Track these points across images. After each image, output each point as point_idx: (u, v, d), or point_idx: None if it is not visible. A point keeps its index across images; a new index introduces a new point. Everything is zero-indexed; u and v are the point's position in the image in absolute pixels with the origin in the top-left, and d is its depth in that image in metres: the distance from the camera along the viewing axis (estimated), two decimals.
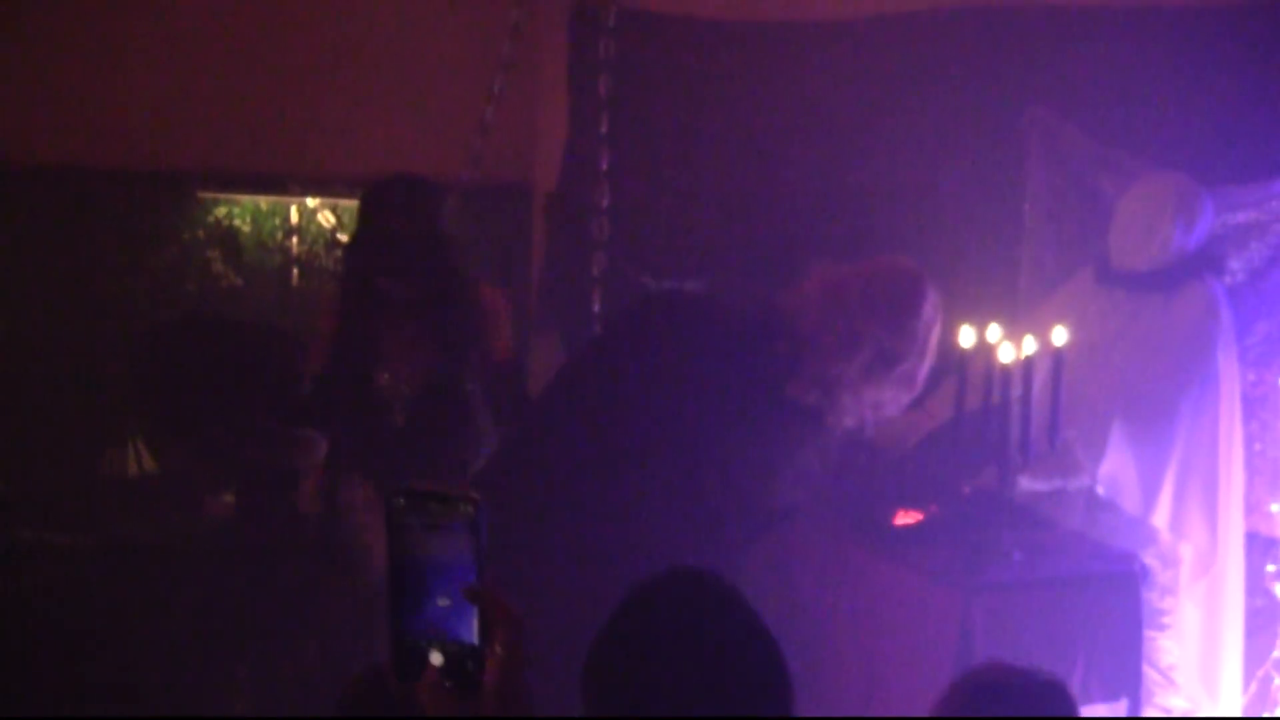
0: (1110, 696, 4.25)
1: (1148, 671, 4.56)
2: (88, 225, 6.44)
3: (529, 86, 5.95)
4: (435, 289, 4.49)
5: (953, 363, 4.15)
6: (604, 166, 5.65)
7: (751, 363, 3.56)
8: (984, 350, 4.14)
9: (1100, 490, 4.77)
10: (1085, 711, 3.99)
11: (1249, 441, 4.98)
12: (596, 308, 5.54)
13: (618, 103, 5.68)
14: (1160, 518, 4.78)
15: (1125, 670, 4.29)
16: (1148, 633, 4.51)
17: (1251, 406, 4.98)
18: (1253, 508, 4.99)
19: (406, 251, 4.46)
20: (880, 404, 3.68)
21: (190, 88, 6.31)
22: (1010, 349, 4.09)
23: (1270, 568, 5.05)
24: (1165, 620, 4.74)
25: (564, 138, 5.92)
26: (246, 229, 6.52)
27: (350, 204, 6.09)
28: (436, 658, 1.86)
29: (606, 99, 5.68)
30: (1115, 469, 4.76)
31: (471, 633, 1.86)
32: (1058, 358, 4.12)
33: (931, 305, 3.70)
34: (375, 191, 4.60)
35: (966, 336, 4.12)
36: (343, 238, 6.32)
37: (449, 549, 1.86)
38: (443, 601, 1.86)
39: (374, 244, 4.51)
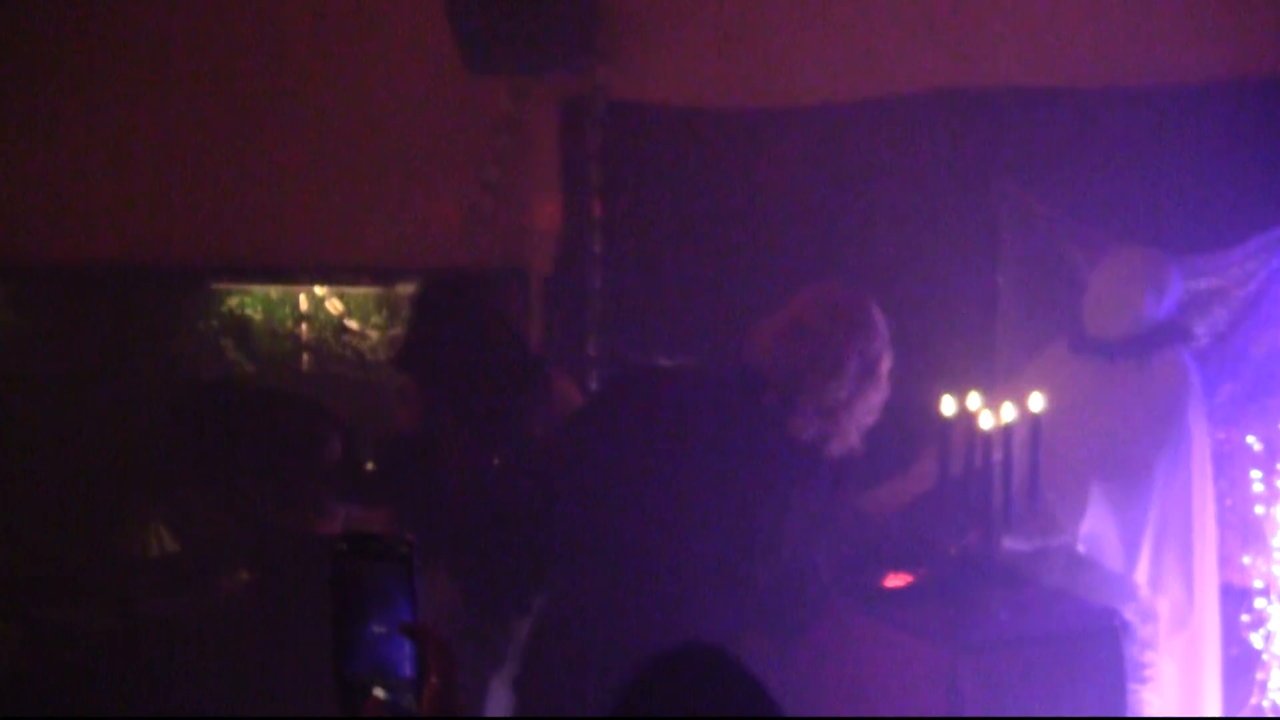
0: None
1: None
2: (106, 317, 6.50)
3: (524, 175, 6.02)
4: (507, 379, 4.46)
5: (936, 429, 4.21)
6: (597, 250, 5.73)
7: (747, 418, 3.53)
8: (965, 417, 4.19)
9: (1080, 548, 4.81)
10: None
11: (1220, 498, 5.03)
12: (594, 387, 5.60)
13: (609, 189, 5.76)
14: (1139, 574, 4.82)
15: None
16: (1130, 685, 4.55)
17: (1221, 464, 5.04)
18: (1225, 560, 5.03)
19: (466, 349, 4.46)
20: (867, 414, 3.66)
21: (201, 184, 6.38)
22: (990, 416, 4.15)
23: (1245, 618, 5.09)
24: (1146, 673, 4.77)
25: (559, 224, 6.00)
26: (258, 317, 6.57)
27: (357, 291, 6.15)
28: (379, 692, 1.93)
29: (598, 186, 5.77)
30: (1095, 528, 4.81)
31: (409, 667, 1.94)
32: (1035, 423, 4.17)
33: (869, 297, 3.69)
34: (428, 293, 4.64)
35: (948, 405, 4.17)
36: (351, 324, 6.38)
37: (387, 589, 1.94)
38: (382, 636, 1.95)
39: (434, 347, 4.51)
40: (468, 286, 4.64)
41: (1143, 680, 4.76)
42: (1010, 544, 4.53)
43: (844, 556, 4.55)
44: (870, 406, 3.61)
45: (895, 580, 4.45)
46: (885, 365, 3.63)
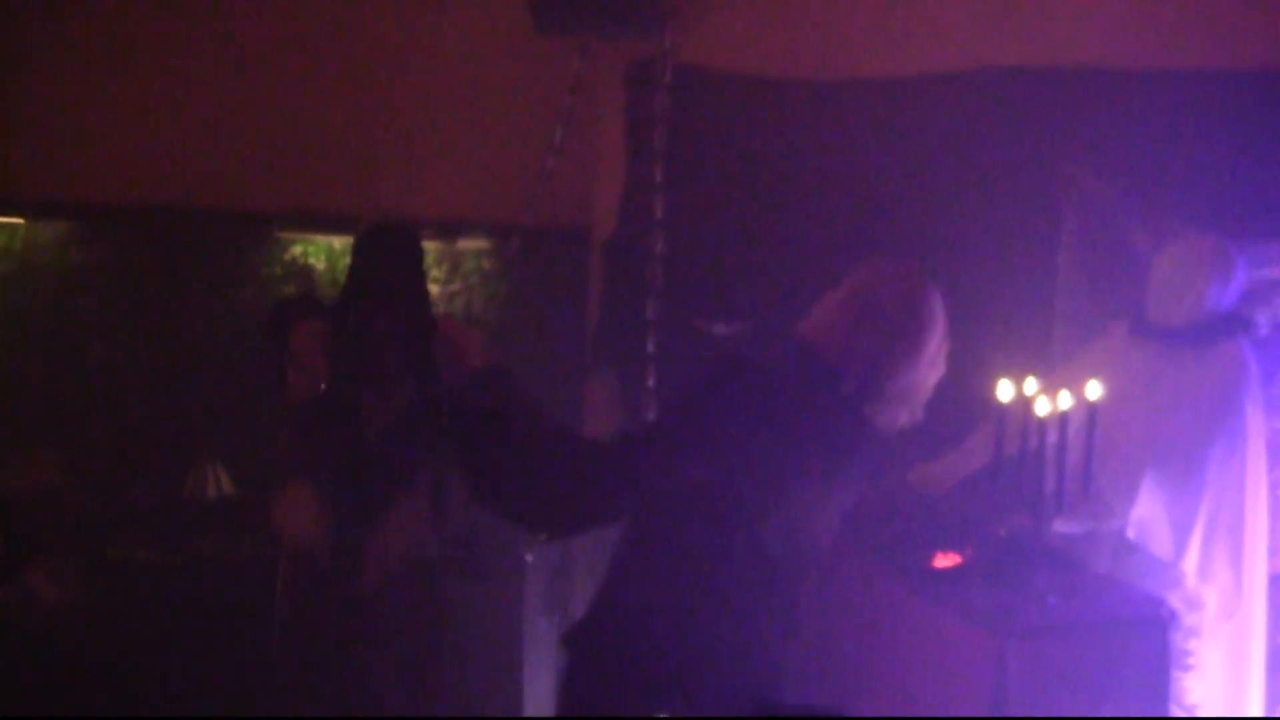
0: None
1: (1173, 710, 4.50)
2: (175, 262, 6.48)
3: (588, 137, 5.92)
4: (415, 322, 4.65)
5: (989, 410, 4.12)
6: (659, 215, 5.62)
7: (834, 411, 3.45)
8: (1021, 401, 4.09)
9: (1131, 534, 4.71)
10: None
11: (1273, 487, 4.90)
12: (651, 349, 5.51)
13: (672, 153, 5.65)
14: (1189, 561, 4.71)
15: (1152, 710, 4.22)
16: (1173, 672, 4.45)
17: (1276, 454, 4.90)
18: (1276, 550, 4.91)
19: (395, 289, 4.64)
20: (928, 393, 3.56)
21: (272, 133, 6.34)
22: (1046, 403, 4.05)
23: None
24: (1190, 661, 4.67)
25: (621, 186, 5.89)
26: (320, 266, 6.53)
27: (430, 245, 6.09)
28: None
29: (661, 150, 5.65)
30: (1146, 514, 4.70)
31: None
32: (1091, 410, 4.06)
33: (933, 283, 3.60)
34: (368, 237, 4.78)
35: (1005, 391, 4.07)
36: None
37: None
38: None
39: (368, 282, 4.68)
40: (397, 236, 4.74)
41: (1186, 668, 4.66)
42: (1060, 526, 4.44)
43: (892, 535, 4.47)
44: (930, 387, 3.52)
45: (944, 561, 4.36)
46: (946, 349, 3.54)
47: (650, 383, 5.58)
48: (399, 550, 4.80)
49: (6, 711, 5.24)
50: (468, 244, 6.31)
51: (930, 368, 3.48)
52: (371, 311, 4.67)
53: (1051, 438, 4.04)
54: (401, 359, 4.72)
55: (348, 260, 5.27)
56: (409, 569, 4.82)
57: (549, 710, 5.66)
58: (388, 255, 4.70)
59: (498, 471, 3.33)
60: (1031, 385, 4.10)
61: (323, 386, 4.74)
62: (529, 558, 5.68)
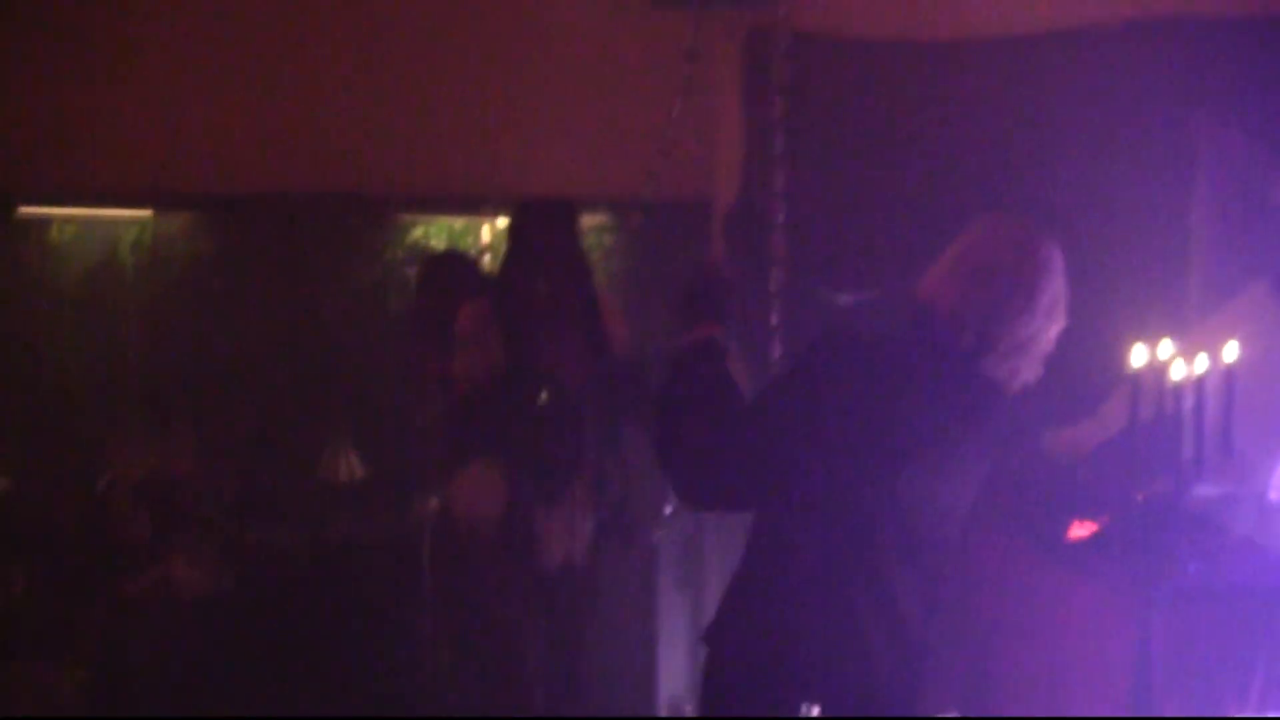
0: None
1: None
2: (301, 247, 6.56)
3: (707, 108, 5.87)
4: (579, 297, 4.75)
5: (1124, 374, 4.02)
6: (779, 185, 5.56)
7: (959, 376, 3.40)
8: (1157, 364, 3.99)
9: (1273, 495, 4.57)
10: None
11: None
12: (775, 320, 5.46)
13: (792, 122, 5.59)
14: None
15: None
16: None
17: None
18: None
19: (557, 264, 4.72)
20: (1048, 345, 3.46)
21: (390, 116, 6.37)
22: (1183, 366, 3.94)
23: None
24: None
25: (741, 157, 5.84)
26: (442, 248, 6.56)
27: None
28: None
29: (780, 119, 5.59)
30: None
31: None
32: (1229, 372, 3.95)
33: (1046, 230, 3.52)
34: (526, 211, 4.81)
35: (1139, 356, 3.97)
36: None
37: None
38: None
39: (531, 257, 4.72)
40: (558, 210, 4.81)
41: None
42: (1199, 489, 4.32)
43: (1029, 503, 4.38)
44: (1050, 339, 3.44)
45: (1080, 529, 4.26)
46: (1064, 300, 3.45)
47: (776, 355, 5.53)
48: (579, 529, 4.80)
49: (150, 699, 5.34)
50: (589, 220, 6.29)
51: (1048, 319, 3.40)
52: (535, 290, 4.69)
53: (1188, 401, 3.94)
54: (575, 337, 4.77)
55: (477, 239, 5.36)
56: (585, 546, 4.84)
57: (680, 687, 5.67)
58: (548, 231, 4.72)
59: (704, 437, 3.32)
60: (1167, 348, 4.00)
61: (497, 369, 4.72)
62: (658, 535, 5.69)
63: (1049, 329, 3.41)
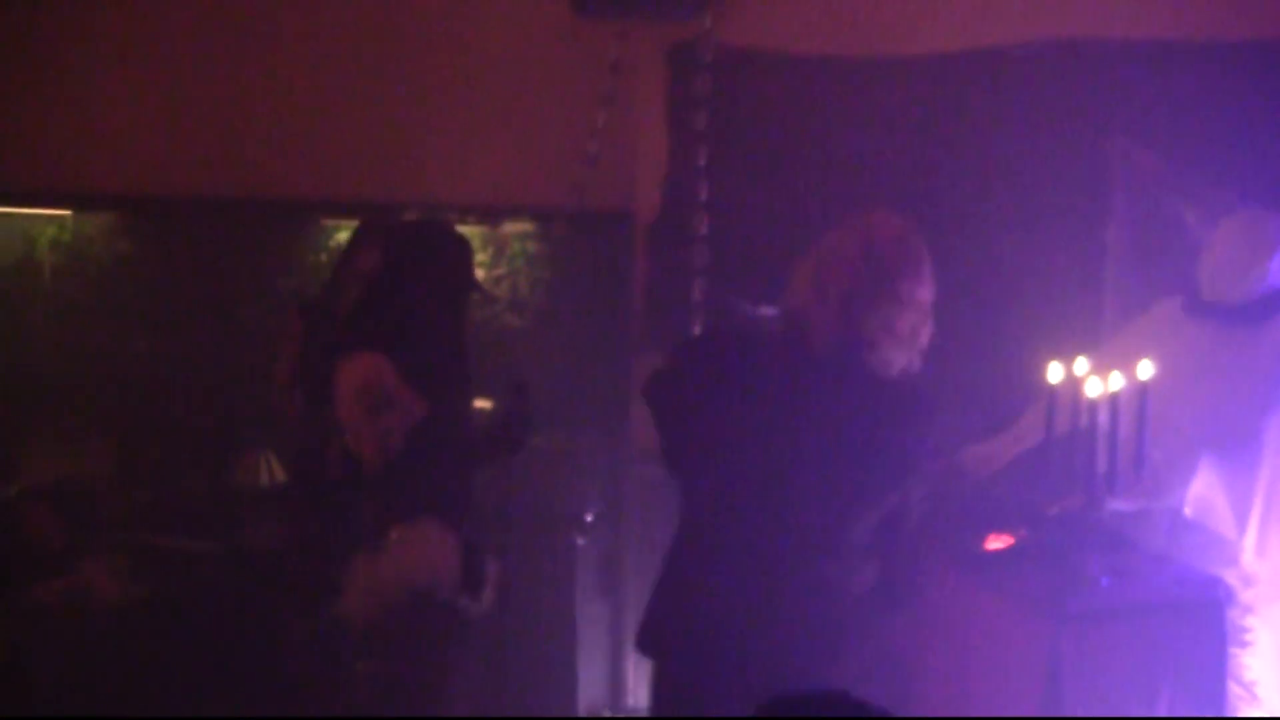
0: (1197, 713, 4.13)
1: (1231, 687, 4.43)
2: (221, 251, 6.48)
3: (630, 119, 5.86)
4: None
5: (1039, 389, 4.07)
6: (702, 196, 5.58)
7: (812, 365, 3.44)
8: (1071, 380, 4.03)
9: (1187, 511, 4.62)
10: None
11: None
12: (696, 332, 5.47)
13: (715, 135, 5.60)
14: (1247, 539, 4.63)
15: (1211, 690, 4.16)
16: (1231, 649, 4.39)
17: None
18: None
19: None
20: (927, 337, 3.58)
21: (313, 121, 6.32)
22: (1097, 383, 3.99)
23: None
24: (1247, 638, 4.59)
25: (664, 169, 5.84)
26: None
27: (463, 230, 6.06)
28: None
29: (704, 132, 5.61)
30: (1202, 492, 4.61)
31: None
32: (1143, 389, 4.00)
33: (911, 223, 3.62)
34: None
35: (1055, 373, 4.02)
36: None
37: None
38: None
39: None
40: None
41: (1244, 645, 4.58)
42: (1114, 505, 4.37)
43: (943, 517, 4.41)
44: (914, 325, 3.50)
45: (996, 542, 4.30)
46: (926, 286, 3.52)
47: None
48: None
49: (66, 707, 5.25)
50: (513, 228, 6.27)
51: (909, 306, 3.43)
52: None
53: (1103, 417, 3.98)
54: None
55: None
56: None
57: (604, 690, 5.68)
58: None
59: None
60: (1082, 365, 4.05)
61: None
62: (580, 541, 5.67)
63: (909, 314, 3.45)
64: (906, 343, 3.47)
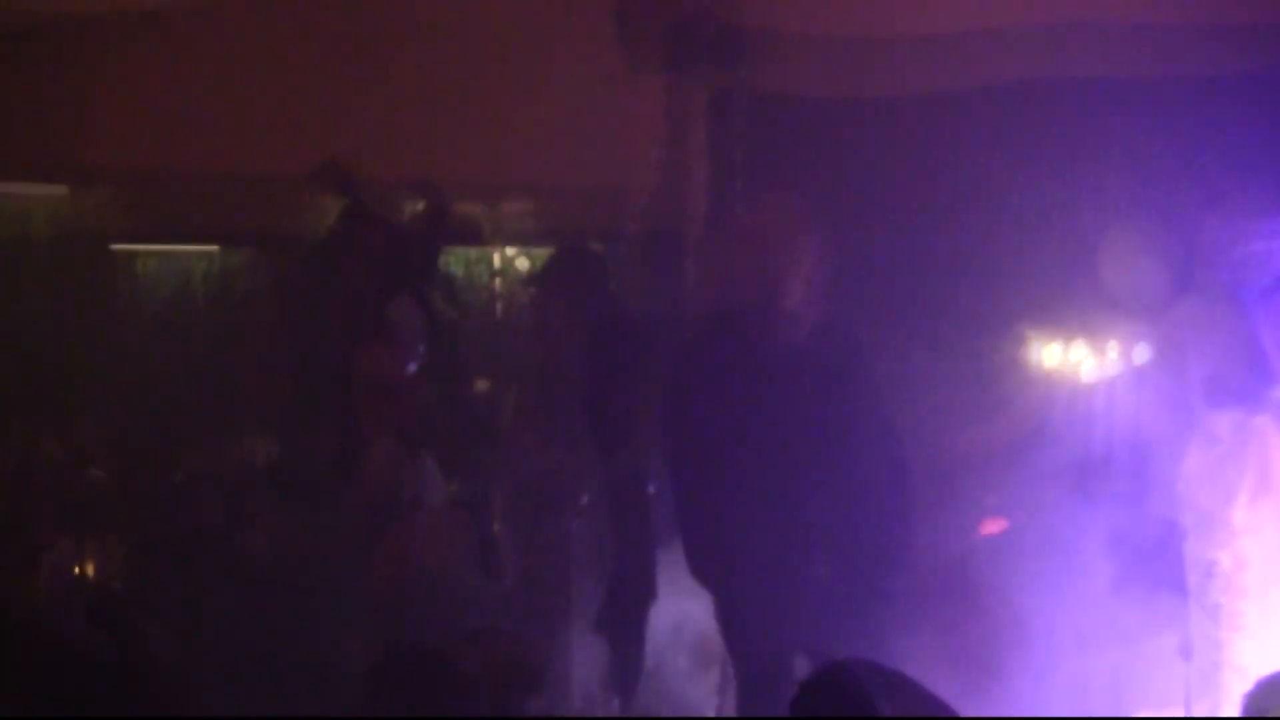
0: None
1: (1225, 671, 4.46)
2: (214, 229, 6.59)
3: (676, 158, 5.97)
4: None
5: (1034, 373, 4.13)
6: None
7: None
8: (1066, 366, 4.08)
9: (1179, 489, 4.65)
10: None
11: None
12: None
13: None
14: (1237, 519, 4.66)
15: None
16: (1224, 634, 4.44)
17: None
18: None
19: None
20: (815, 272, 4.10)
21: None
22: (1093, 366, 4.04)
23: None
24: (1239, 621, 4.61)
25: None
26: (460, 272, 6.84)
27: (541, 252, 6.40)
28: None
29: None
30: (1194, 470, 4.64)
31: None
32: (1139, 372, 4.05)
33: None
34: None
35: (1052, 355, 4.08)
36: None
37: None
38: None
39: None
40: None
41: (1237, 628, 4.61)
42: (1107, 485, 4.41)
43: (937, 499, 4.45)
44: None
45: (992, 526, 4.34)
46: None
47: None
48: None
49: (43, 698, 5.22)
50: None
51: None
52: None
53: (1096, 398, 4.04)
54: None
55: (480, 268, 5.52)
56: None
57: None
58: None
59: None
60: (1079, 351, 4.09)
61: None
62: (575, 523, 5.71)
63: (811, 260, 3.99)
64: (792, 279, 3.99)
